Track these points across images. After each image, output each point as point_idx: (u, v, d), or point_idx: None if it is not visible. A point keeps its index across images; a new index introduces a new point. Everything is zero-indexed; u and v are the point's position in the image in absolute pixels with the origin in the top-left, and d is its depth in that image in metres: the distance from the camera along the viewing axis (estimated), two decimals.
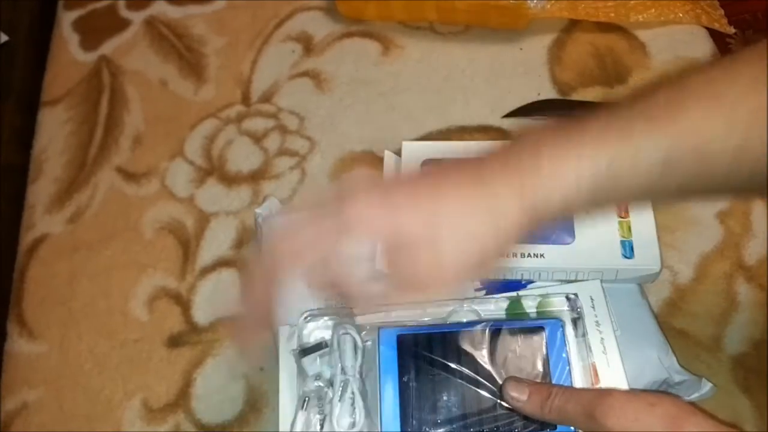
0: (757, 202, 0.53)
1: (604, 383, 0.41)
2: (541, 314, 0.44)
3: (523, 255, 0.45)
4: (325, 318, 0.44)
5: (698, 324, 0.49)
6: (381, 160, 0.58)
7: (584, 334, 0.42)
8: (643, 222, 0.46)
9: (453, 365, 0.41)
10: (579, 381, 0.41)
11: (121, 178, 0.61)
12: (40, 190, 0.61)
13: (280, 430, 0.42)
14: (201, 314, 0.53)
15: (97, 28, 0.70)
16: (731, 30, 0.63)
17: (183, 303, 0.54)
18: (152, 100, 0.65)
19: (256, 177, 0.59)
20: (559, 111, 0.59)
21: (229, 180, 0.59)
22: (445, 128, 0.59)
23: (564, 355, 0.41)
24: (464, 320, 0.43)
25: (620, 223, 0.46)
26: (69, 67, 0.68)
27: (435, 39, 0.64)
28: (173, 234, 0.57)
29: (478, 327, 0.42)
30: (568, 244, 0.46)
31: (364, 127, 0.60)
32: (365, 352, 0.42)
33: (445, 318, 0.44)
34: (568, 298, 0.44)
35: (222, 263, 0.55)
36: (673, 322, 0.49)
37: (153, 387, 0.51)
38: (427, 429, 0.40)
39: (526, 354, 0.41)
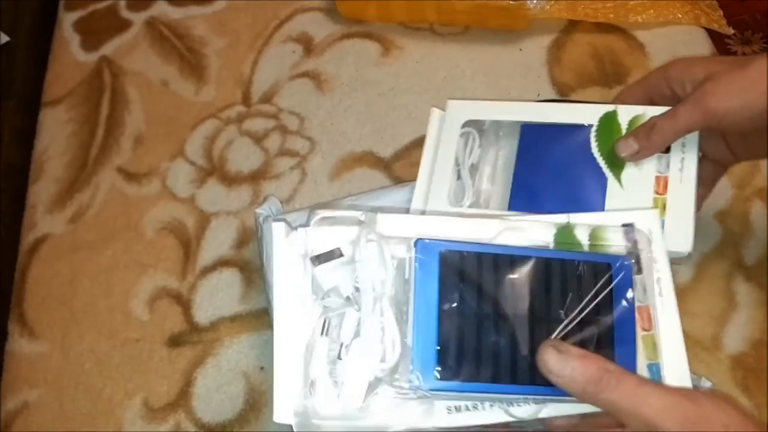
0: (757, 202, 0.53)
1: (658, 330, 0.35)
2: (594, 247, 0.37)
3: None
4: (344, 225, 0.35)
5: (697, 324, 0.49)
6: (381, 160, 0.58)
7: (640, 271, 0.36)
8: (681, 200, 0.41)
9: (503, 297, 0.34)
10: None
11: (122, 178, 0.61)
12: (41, 190, 0.61)
13: (276, 367, 0.33)
14: (201, 314, 0.53)
15: (98, 29, 0.70)
16: (730, 31, 0.64)
17: (183, 303, 0.54)
18: (153, 101, 0.65)
19: (256, 177, 0.59)
20: None
21: (230, 180, 0.59)
22: None
23: (628, 301, 0.35)
24: (514, 244, 0.36)
25: (655, 199, 0.41)
26: (70, 68, 0.68)
27: (435, 40, 0.65)
28: (174, 234, 0.57)
29: (535, 255, 0.35)
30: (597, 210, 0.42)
31: (364, 128, 0.60)
32: (395, 268, 0.34)
33: (491, 238, 0.36)
34: (625, 230, 0.37)
35: (222, 263, 0.55)
36: None
37: (154, 386, 0.51)
38: (469, 374, 0.32)
39: (587, 294, 0.34)
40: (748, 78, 0.37)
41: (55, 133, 0.64)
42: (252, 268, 0.55)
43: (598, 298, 0.34)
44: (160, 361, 0.52)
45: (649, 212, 0.38)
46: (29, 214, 0.60)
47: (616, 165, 0.43)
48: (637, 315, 0.35)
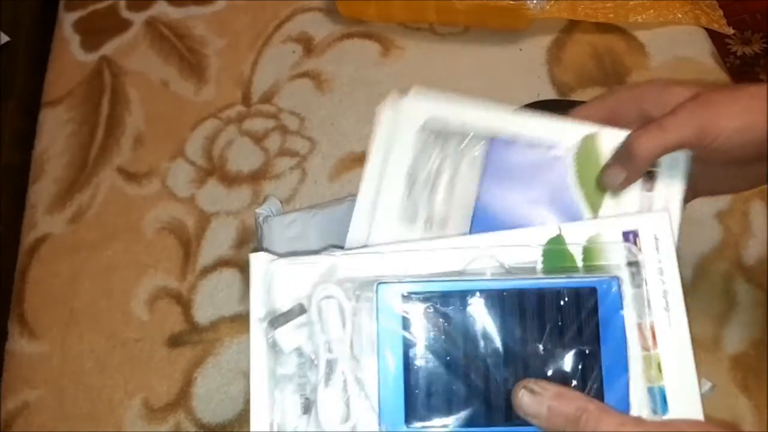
0: (757, 202, 0.53)
1: (662, 349, 0.32)
2: (590, 267, 0.33)
3: None
4: (301, 272, 0.33)
5: (697, 324, 0.49)
6: None
7: (642, 284, 0.33)
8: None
9: (474, 336, 0.31)
10: (633, 347, 0.32)
11: (122, 178, 0.61)
12: (42, 190, 0.61)
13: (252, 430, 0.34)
14: (201, 314, 0.53)
15: (98, 29, 0.70)
16: (730, 30, 0.64)
17: (184, 303, 0.54)
18: (153, 101, 0.65)
19: (256, 177, 0.59)
20: (558, 112, 0.59)
21: (230, 180, 0.59)
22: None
23: (619, 327, 0.32)
24: (488, 273, 0.33)
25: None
26: (70, 68, 0.68)
27: (435, 40, 0.65)
28: (174, 234, 0.57)
29: (508, 285, 0.32)
30: None
31: (364, 128, 0.60)
32: (356, 317, 0.32)
33: (461, 269, 0.33)
34: (625, 239, 0.33)
35: (222, 263, 0.55)
36: None
37: (154, 386, 0.51)
38: (440, 421, 0.31)
39: (569, 324, 0.32)
40: (755, 97, 0.34)
41: (55, 133, 0.64)
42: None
43: (583, 328, 0.32)
44: (160, 361, 0.52)
45: (657, 215, 0.34)
46: (29, 214, 0.60)
47: (595, 201, 0.37)
48: (637, 333, 0.32)
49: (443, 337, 0.32)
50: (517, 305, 0.32)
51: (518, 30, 0.63)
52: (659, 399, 0.32)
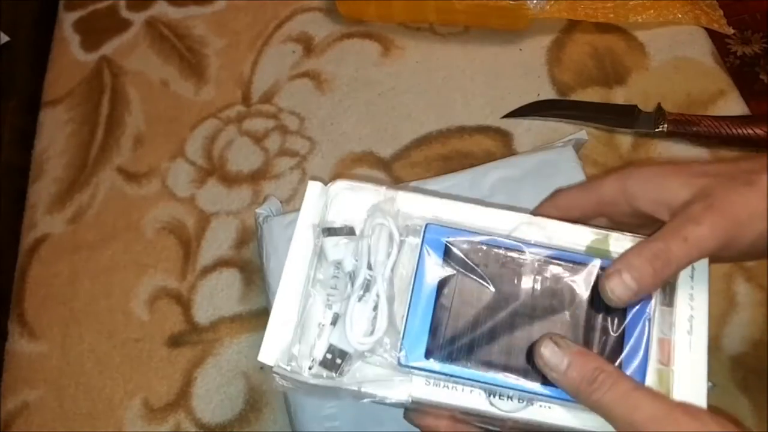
0: None
1: (678, 368, 0.32)
2: None
3: None
4: (359, 197, 0.35)
5: None
6: (381, 160, 0.58)
7: (672, 305, 0.33)
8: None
9: (507, 293, 0.32)
10: (651, 356, 0.32)
11: (122, 178, 0.61)
12: (41, 190, 0.61)
13: (273, 311, 0.33)
14: (201, 314, 0.53)
15: (98, 29, 0.70)
16: (730, 30, 0.64)
17: (183, 303, 0.54)
18: (153, 101, 0.65)
19: (256, 177, 0.59)
20: (558, 111, 0.59)
21: (230, 180, 0.59)
22: (444, 129, 0.59)
23: (646, 313, 0.32)
24: (531, 240, 0.34)
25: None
26: (70, 68, 0.68)
27: (435, 40, 0.65)
28: (174, 234, 0.57)
29: (549, 252, 0.33)
30: None
31: (364, 128, 0.60)
32: (402, 249, 0.34)
33: (508, 231, 0.34)
34: None
35: (222, 263, 0.55)
36: None
37: (154, 386, 0.51)
38: (458, 363, 0.32)
39: (601, 301, 0.32)
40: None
41: (55, 133, 0.64)
42: (252, 268, 0.55)
43: (611, 309, 0.32)
44: (160, 361, 0.52)
45: None
46: (29, 214, 0.60)
47: None
48: (657, 346, 0.32)
49: (478, 286, 0.33)
50: (554, 271, 0.33)
51: (518, 30, 0.63)
52: None
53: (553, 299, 0.33)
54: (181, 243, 0.57)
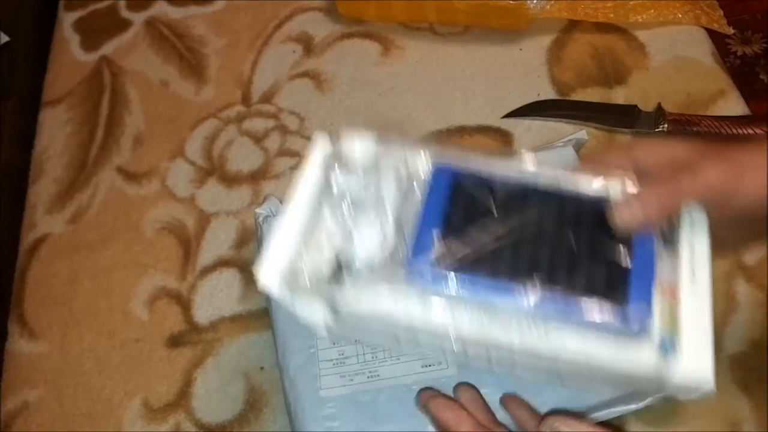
0: None
1: (683, 304, 0.32)
2: None
3: None
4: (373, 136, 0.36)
5: None
6: None
7: (675, 250, 0.33)
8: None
9: (513, 218, 0.33)
10: (656, 288, 0.32)
11: (122, 178, 0.61)
12: (41, 190, 0.61)
13: (278, 228, 0.33)
14: (201, 314, 0.53)
15: (98, 29, 0.70)
16: (730, 30, 0.64)
17: (183, 303, 0.54)
18: (153, 101, 0.65)
19: (256, 177, 0.59)
20: (558, 111, 0.59)
21: (230, 180, 0.59)
22: (444, 128, 0.59)
23: (652, 250, 0.32)
24: (540, 176, 0.34)
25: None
26: (70, 68, 0.68)
27: (435, 40, 0.65)
28: (174, 234, 0.57)
29: (555, 188, 0.34)
30: None
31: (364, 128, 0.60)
32: (412, 185, 0.34)
33: (520, 173, 0.35)
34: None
35: (222, 263, 0.55)
36: None
37: (153, 386, 0.51)
38: (461, 273, 0.32)
39: (607, 225, 0.33)
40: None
41: (55, 133, 0.64)
42: (252, 268, 0.55)
43: (617, 234, 0.33)
44: (160, 361, 0.52)
45: (696, 213, 0.34)
46: (29, 214, 0.60)
47: None
48: (661, 285, 0.32)
49: (484, 213, 0.33)
50: (563, 202, 0.33)
51: (518, 30, 0.63)
52: (669, 343, 0.31)
53: (561, 228, 0.33)
54: (181, 243, 0.57)
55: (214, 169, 0.60)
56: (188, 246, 0.56)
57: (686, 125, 0.56)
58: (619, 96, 0.59)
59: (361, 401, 0.44)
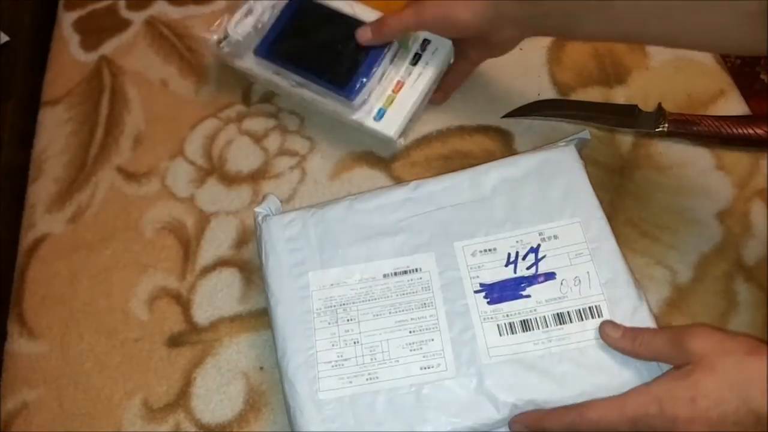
0: (757, 202, 0.53)
1: (400, 95, 0.56)
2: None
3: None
4: None
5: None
6: (381, 160, 0.58)
7: (415, 60, 0.57)
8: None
9: (316, 35, 0.58)
10: (386, 84, 0.57)
11: (122, 177, 0.61)
12: (41, 190, 0.61)
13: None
14: (201, 314, 0.53)
15: (98, 29, 0.70)
16: None
17: (183, 303, 0.54)
18: (153, 100, 0.65)
19: (256, 177, 0.59)
20: (558, 111, 0.59)
21: (230, 180, 0.59)
22: (444, 128, 0.59)
23: (382, 54, 0.56)
24: (345, 10, 0.58)
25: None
26: (69, 68, 0.68)
27: None
28: (173, 234, 0.57)
29: (352, 15, 0.57)
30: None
31: None
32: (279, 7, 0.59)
33: (338, 8, 0.58)
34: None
35: (222, 263, 0.55)
36: (673, 322, 0.49)
37: (153, 386, 0.51)
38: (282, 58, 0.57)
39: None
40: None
41: (55, 132, 0.64)
42: (252, 268, 0.55)
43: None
44: (160, 361, 0.52)
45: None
46: (28, 214, 0.60)
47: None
48: (390, 83, 0.56)
49: (305, 27, 0.58)
50: (348, 23, 0.57)
51: None
52: (380, 114, 0.55)
53: (337, 39, 0.57)
54: (181, 243, 0.57)
55: (213, 169, 0.60)
56: (188, 246, 0.56)
57: (686, 125, 0.56)
58: (619, 96, 0.59)
59: (360, 403, 0.44)
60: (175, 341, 0.53)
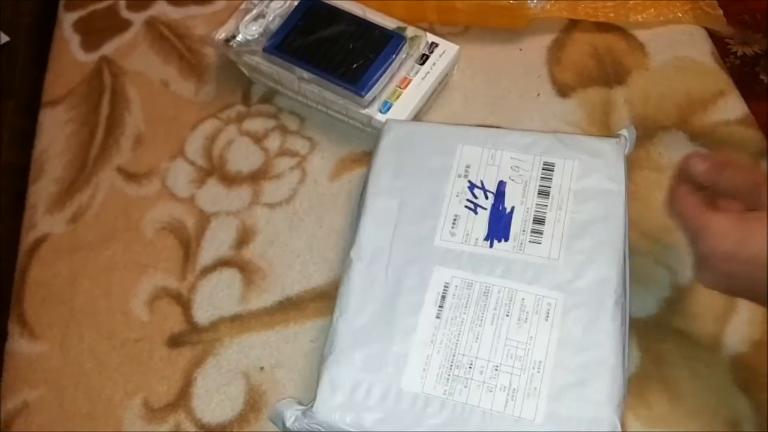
0: None
1: (405, 92, 0.57)
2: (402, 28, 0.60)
3: None
4: None
5: (698, 324, 0.49)
6: None
7: (423, 61, 0.58)
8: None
9: (326, 33, 0.58)
10: (395, 78, 0.57)
11: (122, 178, 0.61)
12: (41, 190, 0.61)
13: None
14: (201, 314, 0.53)
15: (98, 29, 0.70)
16: (731, 30, 0.64)
17: (183, 303, 0.54)
18: (153, 101, 0.65)
19: (256, 177, 0.59)
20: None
21: (230, 180, 0.59)
22: None
23: (397, 52, 0.57)
24: (354, 11, 0.60)
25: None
26: (70, 68, 0.68)
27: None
28: (174, 234, 0.57)
29: (356, 17, 0.59)
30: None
31: (364, 127, 0.60)
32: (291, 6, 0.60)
33: (348, 8, 0.60)
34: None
35: (222, 263, 0.55)
36: (673, 322, 0.49)
37: (153, 387, 0.51)
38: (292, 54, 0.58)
39: (370, 44, 0.58)
40: None
41: (55, 133, 0.64)
42: (252, 268, 0.55)
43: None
44: (160, 361, 0.52)
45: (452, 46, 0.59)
46: (29, 214, 0.60)
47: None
48: (397, 80, 0.57)
49: (316, 26, 0.59)
50: (360, 24, 0.59)
51: (518, 30, 0.63)
52: (387, 107, 0.56)
53: (349, 38, 0.58)
54: (181, 243, 0.57)
55: (214, 169, 0.60)
56: (188, 246, 0.56)
57: None
58: (619, 96, 0.59)
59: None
60: (175, 341, 0.53)
